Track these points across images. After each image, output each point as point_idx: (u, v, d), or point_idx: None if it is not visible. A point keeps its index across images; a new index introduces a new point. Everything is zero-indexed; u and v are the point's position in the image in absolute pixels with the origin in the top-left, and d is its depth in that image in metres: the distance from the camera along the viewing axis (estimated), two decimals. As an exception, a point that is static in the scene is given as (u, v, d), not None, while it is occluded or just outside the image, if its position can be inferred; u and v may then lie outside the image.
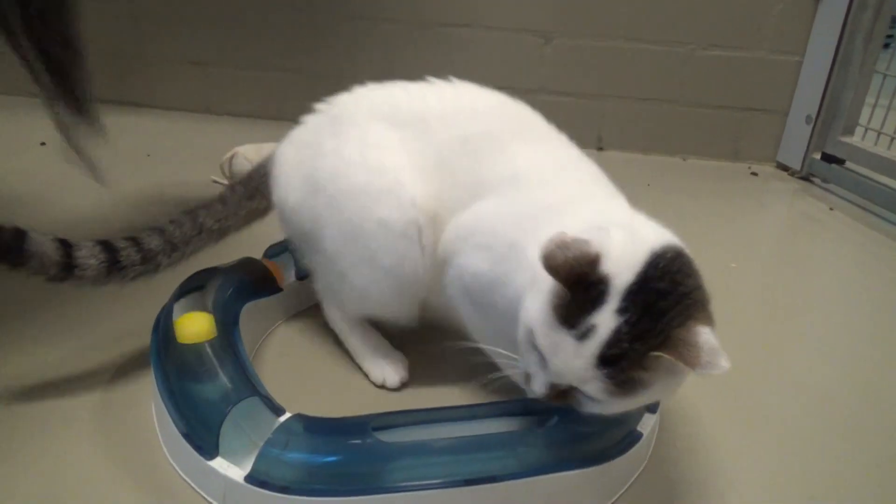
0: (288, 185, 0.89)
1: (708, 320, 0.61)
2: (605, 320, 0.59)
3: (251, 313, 0.91)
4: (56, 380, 0.84)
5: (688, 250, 0.66)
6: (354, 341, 0.92)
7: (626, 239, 0.63)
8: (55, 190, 1.32)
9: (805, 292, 1.30)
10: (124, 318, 0.96)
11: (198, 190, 1.46)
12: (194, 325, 0.77)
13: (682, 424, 0.84)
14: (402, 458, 0.65)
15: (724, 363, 0.56)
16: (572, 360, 0.60)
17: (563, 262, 0.59)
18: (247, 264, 0.98)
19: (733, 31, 2.02)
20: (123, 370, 0.87)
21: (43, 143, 1.51)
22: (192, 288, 0.88)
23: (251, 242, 0.98)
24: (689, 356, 0.56)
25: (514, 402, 0.73)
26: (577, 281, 0.59)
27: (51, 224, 0.80)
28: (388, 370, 0.88)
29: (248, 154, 1.49)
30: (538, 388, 0.64)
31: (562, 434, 0.69)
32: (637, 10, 2.02)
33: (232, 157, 1.50)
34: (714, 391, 0.91)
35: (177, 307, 0.83)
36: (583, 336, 0.59)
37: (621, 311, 0.59)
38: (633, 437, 0.72)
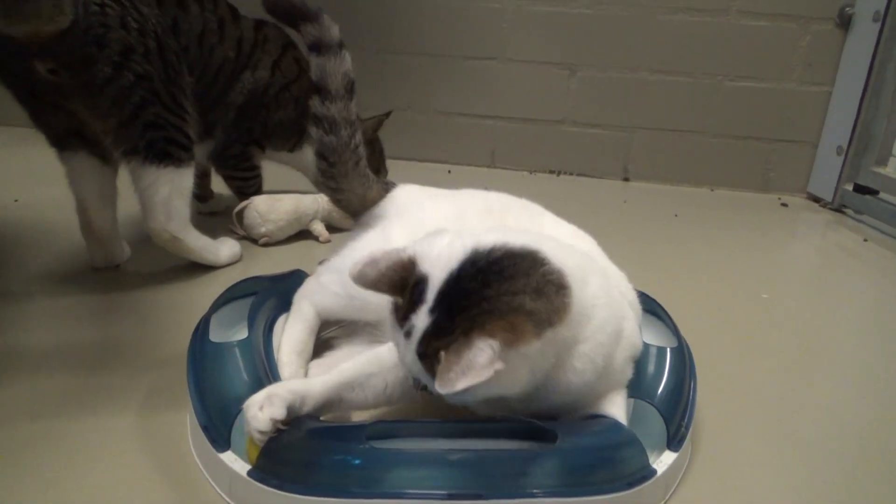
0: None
1: (502, 330, 0.59)
2: (421, 320, 0.62)
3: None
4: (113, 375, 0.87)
5: (551, 253, 0.66)
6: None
7: (453, 240, 0.66)
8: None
9: (839, 324, 1.27)
10: (181, 322, 1.01)
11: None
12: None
13: (712, 465, 0.81)
14: (394, 466, 0.65)
15: (460, 386, 0.56)
16: (405, 354, 0.65)
17: (376, 277, 0.64)
18: (293, 276, 1.01)
19: (762, 63, 2.02)
20: (170, 371, 0.91)
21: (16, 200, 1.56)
22: (236, 296, 0.92)
23: (304, 257, 0.99)
24: (442, 368, 0.58)
25: (515, 424, 0.73)
26: (400, 287, 0.64)
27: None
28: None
29: (259, 207, 1.42)
30: (405, 374, 0.68)
31: (560, 459, 0.67)
32: (663, 41, 2.03)
33: (244, 209, 1.43)
34: (747, 426, 0.88)
35: (217, 314, 0.88)
36: (407, 335, 0.63)
37: (432, 310, 0.62)
38: (646, 473, 0.70)
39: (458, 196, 0.96)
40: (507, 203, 0.92)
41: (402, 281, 0.64)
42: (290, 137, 1.52)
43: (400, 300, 0.65)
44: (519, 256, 0.64)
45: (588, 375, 0.69)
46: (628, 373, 0.78)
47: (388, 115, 1.67)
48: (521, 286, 0.62)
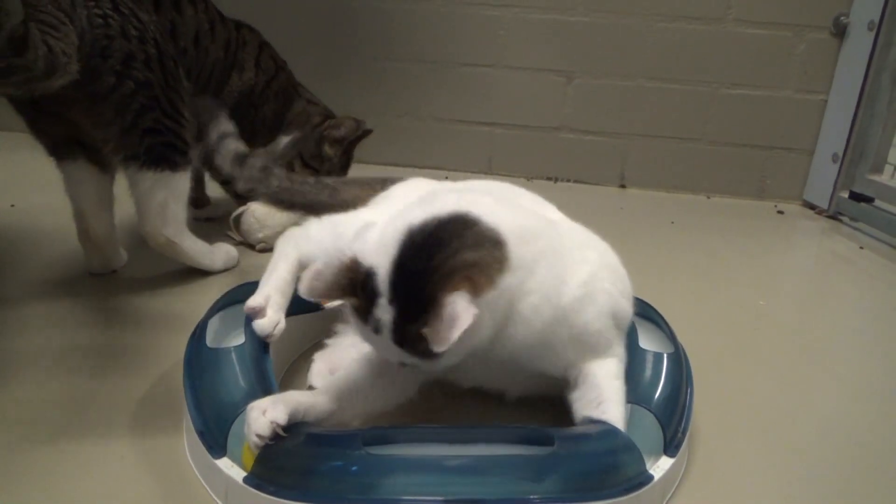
0: None
1: (462, 281, 0.62)
2: (384, 313, 0.64)
3: (290, 327, 0.92)
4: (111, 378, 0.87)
5: (482, 214, 0.68)
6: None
7: (384, 227, 0.67)
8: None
9: (835, 331, 1.27)
10: (177, 327, 1.01)
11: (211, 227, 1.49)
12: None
13: (709, 471, 0.81)
14: (390, 472, 0.65)
15: (455, 336, 0.58)
16: (381, 347, 0.67)
17: (326, 288, 0.65)
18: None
19: (757, 70, 2.03)
20: (166, 377, 0.91)
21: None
22: (233, 301, 0.91)
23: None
24: (432, 334, 0.60)
25: (512, 429, 0.73)
26: (351, 289, 0.65)
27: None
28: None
29: (256, 212, 1.39)
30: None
31: (557, 464, 0.67)
32: (660, 49, 2.04)
33: (241, 214, 1.41)
34: (744, 432, 0.89)
35: (214, 319, 0.87)
36: (376, 330, 0.65)
37: (391, 301, 0.63)
38: (643, 478, 0.70)
39: (462, 186, 0.97)
40: (514, 192, 0.94)
41: (352, 282, 0.65)
42: (267, 134, 1.51)
43: (356, 301, 0.66)
44: (449, 222, 0.67)
45: (536, 324, 0.70)
46: (610, 336, 0.77)
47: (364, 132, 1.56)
48: (458, 245, 0.65)
